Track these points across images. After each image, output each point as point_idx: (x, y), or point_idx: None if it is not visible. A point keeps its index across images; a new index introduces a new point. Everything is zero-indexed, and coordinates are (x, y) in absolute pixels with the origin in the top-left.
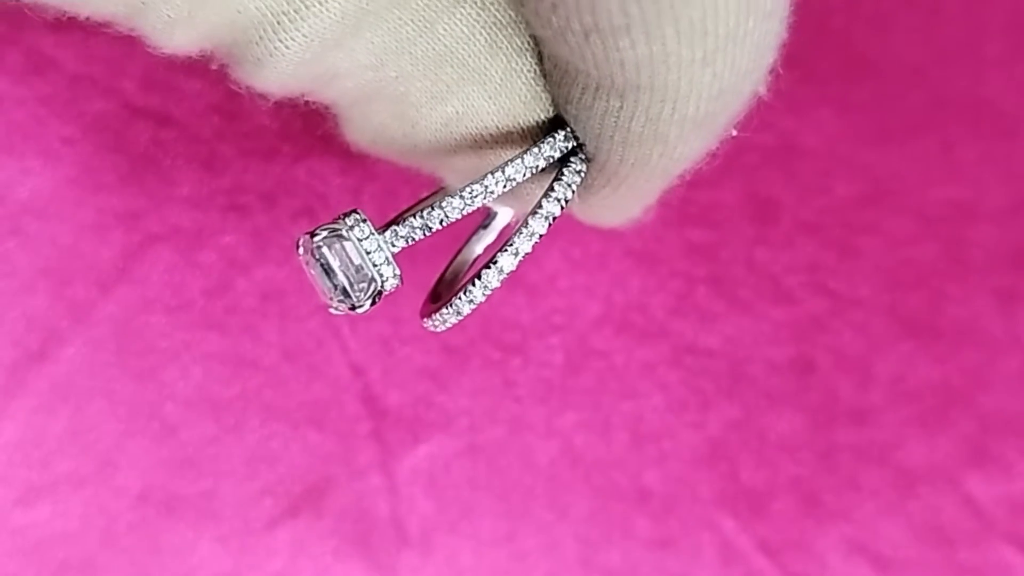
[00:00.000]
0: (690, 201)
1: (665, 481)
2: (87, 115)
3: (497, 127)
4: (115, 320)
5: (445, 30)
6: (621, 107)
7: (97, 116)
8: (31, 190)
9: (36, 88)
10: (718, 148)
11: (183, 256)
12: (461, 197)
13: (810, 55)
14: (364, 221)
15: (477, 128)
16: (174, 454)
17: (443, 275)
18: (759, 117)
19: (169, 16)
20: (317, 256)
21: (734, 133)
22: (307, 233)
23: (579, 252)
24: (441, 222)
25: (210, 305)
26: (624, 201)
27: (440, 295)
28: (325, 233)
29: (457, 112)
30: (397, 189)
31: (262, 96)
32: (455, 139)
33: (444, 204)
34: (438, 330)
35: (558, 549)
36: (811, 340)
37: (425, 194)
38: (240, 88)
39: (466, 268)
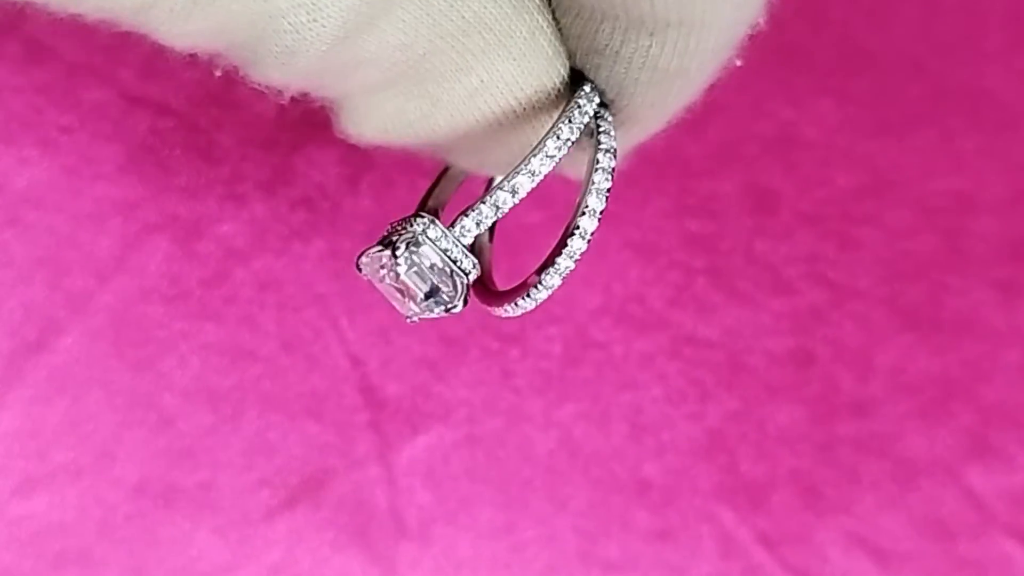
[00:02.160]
0: (689, 192)
1: (664, 473)
2: (85, 104)
3: (522, 90)
4: (113, 310)
5: None
6: (651, 46)
7: (95, 105)
8: (28, 179)
9: (34, 77)
10: (717, 137)
11: (181, 246)
12: (528, 172)
13: (810, 46)
14: (433, 222)
15: (502, 94)
16: (171, 445)
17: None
18: (758, 107)
19: (182, 6)
20: (405, 269)
21: (739, 63)
22: (381, 247)
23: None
24: (514, 196)
25: (208, 295)
26: (623, 144)
27: (483, 278)
28: (404, 246)
29: (482, 81)
30: (395, 178)
31: (277, 92)
32: (479, 110)
33: (513, 181)
34: (516, 315)
35: (557, 541)
36: (810, 332)
37: (428, 182)
38: (255, 84)
39: (487, 237)
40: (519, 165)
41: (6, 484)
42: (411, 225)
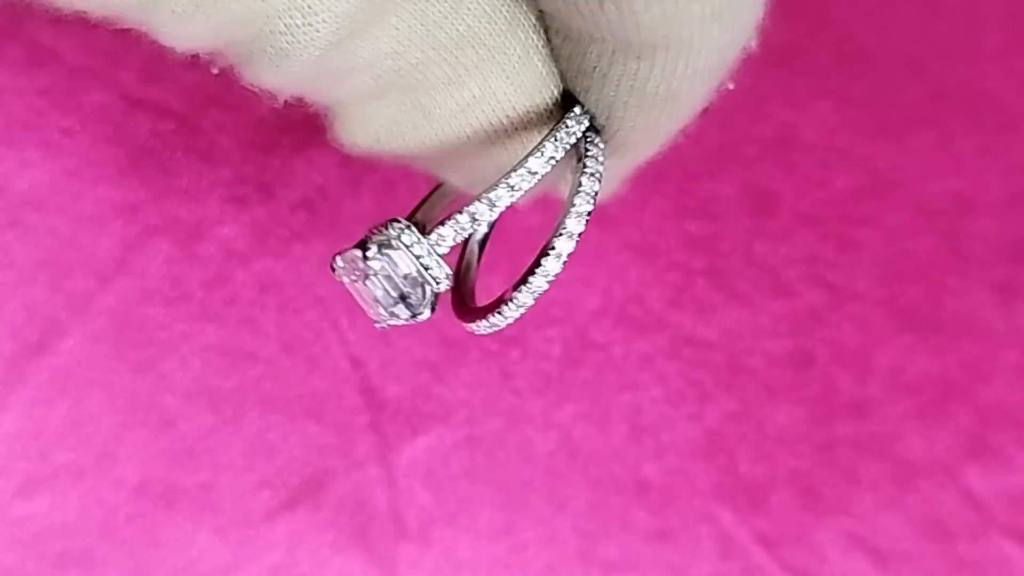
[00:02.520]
0: (688, 193)
1: (663, 473)
2: (86, 107)
3: (514, 108)
4: (114, 312)
5: (469, 9)
6: (638, 69)
7: (96, 108)
8: (30, 182)
9: (35, 80)
10: (716, 139)
11: (182, 248)
12: (508, 185)
13: (809, 47)
14: (409, 227)
15: (494, 111)
16: (172, 446)
17: (458, 269)
18: (758, 109)
19: (183, 7)
20: (374, 271)
21: (731, 86)
22: (353, 248)
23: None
24: (492, 209)
25: (209, 297)
26: (618, 170)
27: (463, 293)
28: (375, 248)
29: (474, 96)
30: (396, 180)
31: (271, 96)
32: (470, 126)
33: (491, 194)
34: (487, 332)
35: (557, 541)
36: (810, 333)
37: (429, 186)
38: (250, 86)
39: (476, 255)
40: (500, 179)
41: (8, 485)
42: (386, 229)
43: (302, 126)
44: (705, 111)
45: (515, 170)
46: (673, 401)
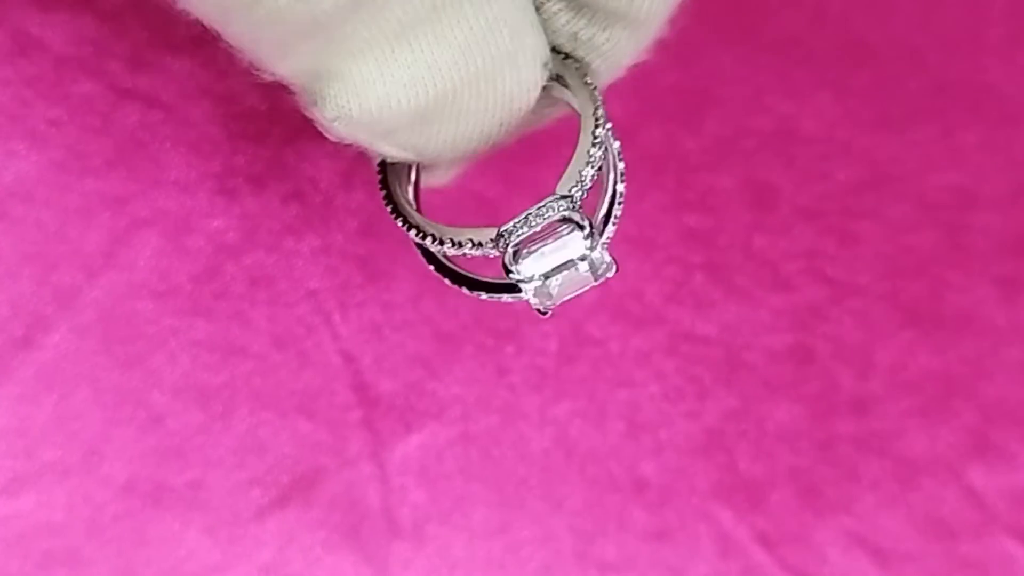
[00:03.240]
0: (687, 186)
1: (661, 472)
2: (73, 97)
3: (517, 33)
4: (101, 306)
5: None
6: (620, 39)
7: (84, 98)
8: (16, 174)
9: (21, 69)
10: (715, 131)
11: (171, 241)
12: (595, 135)
13: (809, 39)
14: (556, 197)
15: (503, 34)
16: (161, 443)
17: None
18: (757, 101)
19: None
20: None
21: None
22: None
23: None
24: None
25: (198, 291)
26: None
27: None
28: (588, 225)
29: (487, 20)
30: None
31: (257, 68)
32: (481, 56)
33: (591, 155)
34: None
35: (553, 540)
36: (810, 328)
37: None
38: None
39: None
40: (588, 129)
41: None
42: (558, 209)
43: (293, 117)
44: (706, 99)
45: (595, 130)
46: (671, 398)
